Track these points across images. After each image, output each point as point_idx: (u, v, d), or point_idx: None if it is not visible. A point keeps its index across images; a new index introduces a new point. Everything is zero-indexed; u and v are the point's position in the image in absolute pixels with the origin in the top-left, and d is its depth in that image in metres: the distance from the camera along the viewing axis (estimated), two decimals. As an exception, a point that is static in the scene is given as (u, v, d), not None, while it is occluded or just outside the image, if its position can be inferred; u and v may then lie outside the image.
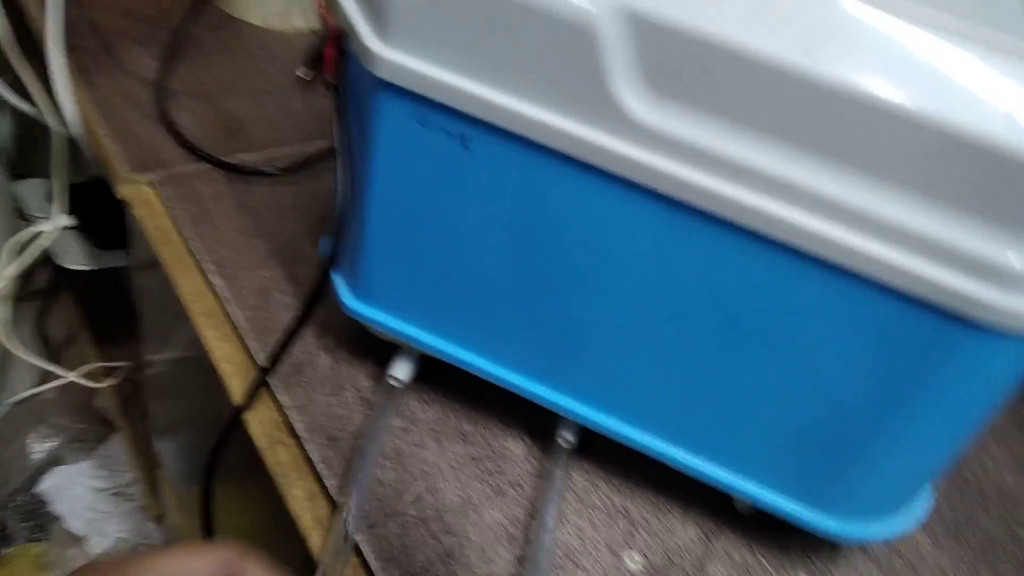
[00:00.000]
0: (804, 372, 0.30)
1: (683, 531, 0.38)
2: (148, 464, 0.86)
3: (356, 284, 0.38)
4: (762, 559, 0.37)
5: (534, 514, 0.37)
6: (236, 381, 0.41)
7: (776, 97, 0.25)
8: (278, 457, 0.38)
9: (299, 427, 0.39)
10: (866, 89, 0.25)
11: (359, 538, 0.35)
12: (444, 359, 0.38)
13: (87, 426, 0.97)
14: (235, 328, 0.43)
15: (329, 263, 0.37)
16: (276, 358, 0.39)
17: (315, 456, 0.38)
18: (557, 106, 0.28)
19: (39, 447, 0.96)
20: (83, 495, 0.92)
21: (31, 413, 0.97)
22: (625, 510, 0.38)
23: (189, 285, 0.45)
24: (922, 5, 0.25)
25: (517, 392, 0.37)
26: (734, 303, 0.30)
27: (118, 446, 0.92)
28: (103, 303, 0.91)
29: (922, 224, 0.26)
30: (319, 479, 0.37)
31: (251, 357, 0.42)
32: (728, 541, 0.38)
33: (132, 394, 0.90)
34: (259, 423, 0.40)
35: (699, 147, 0.27)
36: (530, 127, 0.28)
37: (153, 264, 0.50)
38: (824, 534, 0.34)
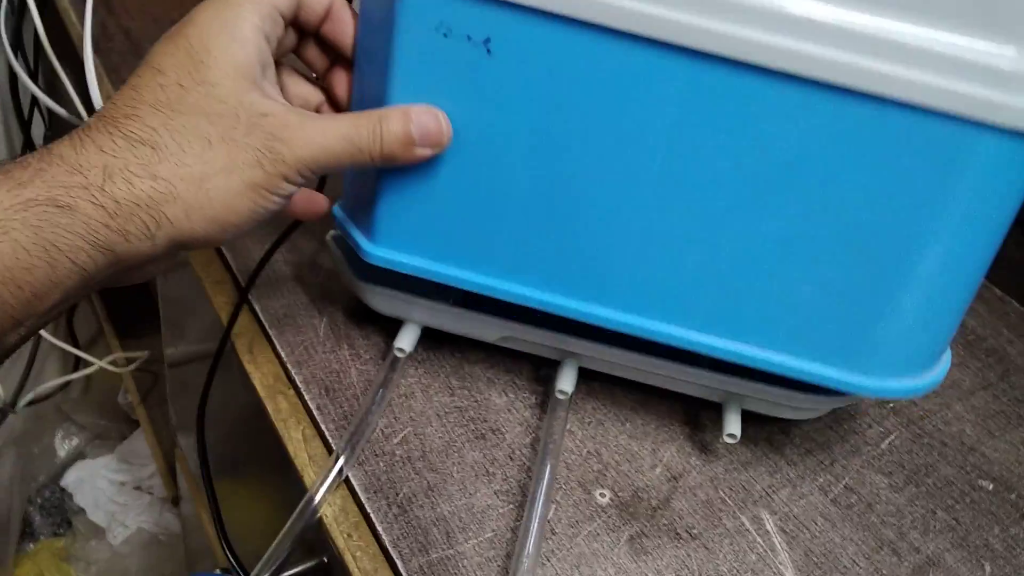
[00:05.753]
0: (830, 215, 0.32)
1: (651, 472, 0.40)
2: (168, 454, 0.90)
3: (374, 230, 0.38)
4: (726, 497, 0.40)
5: (512, 455, 0.40)
6: (240, 336, 0.45)
7: None
8: (278, 405, 0.42)
9: (298, 379, 0.42)
10: None
11: (350, 473, 0.38)
12: (470, 289, 0.38)
13: (110, 423, 1.02)
14: (241, 289, 0.46)
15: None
16: (254, 277, 0.40)
17: (312, 404, 0.41)
18: None
19: (65, 443, 1.00)
20: (105, 488, 0.96)
21: (58, 411, 1.02)
22: (598, 454, 0.41)
23: (202, 257, 0.49)
24: None
25: (547, 310, 0.37)
26: (754, 149, 0.32)
27: (140, 441, 0.96)
28: (126, 299, 0.96)
29: (929, 40, 0.29)
30: (315, 423, 0.41)
31: (253, 311, 0.45)
32: (694, 481, 0.40)
33: (152, 388, 0.95)
34: (262, 376, 0.43)
35: None
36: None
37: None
38: (858, 391, 0.36)
